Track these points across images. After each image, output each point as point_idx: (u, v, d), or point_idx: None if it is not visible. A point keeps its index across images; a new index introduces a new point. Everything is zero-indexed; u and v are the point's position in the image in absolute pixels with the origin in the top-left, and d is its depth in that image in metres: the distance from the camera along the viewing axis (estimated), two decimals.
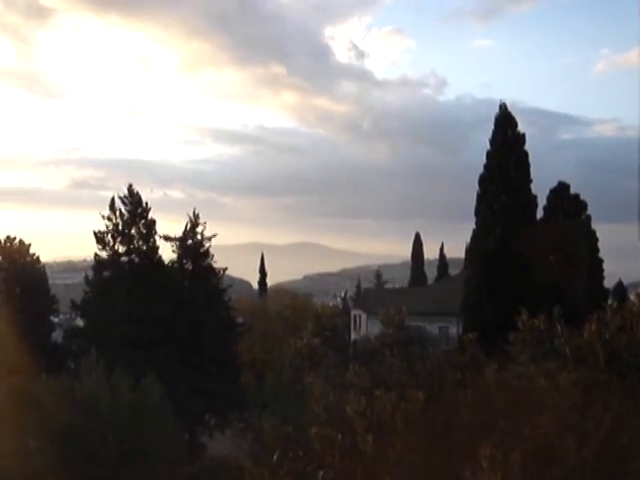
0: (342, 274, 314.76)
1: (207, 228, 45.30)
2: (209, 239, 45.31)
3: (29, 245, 57.97)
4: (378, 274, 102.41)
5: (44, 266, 61.79)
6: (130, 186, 44.31)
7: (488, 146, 44.32)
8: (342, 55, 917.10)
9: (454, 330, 49.56)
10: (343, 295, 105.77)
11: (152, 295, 41.67)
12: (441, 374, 15.46)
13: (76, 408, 27.72)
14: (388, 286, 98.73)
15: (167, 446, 28.53)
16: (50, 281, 61.92)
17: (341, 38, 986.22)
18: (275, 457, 13.36)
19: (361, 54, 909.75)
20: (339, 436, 12.27)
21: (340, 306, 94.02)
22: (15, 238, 57.68)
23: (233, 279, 62.37)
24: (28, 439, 29.49)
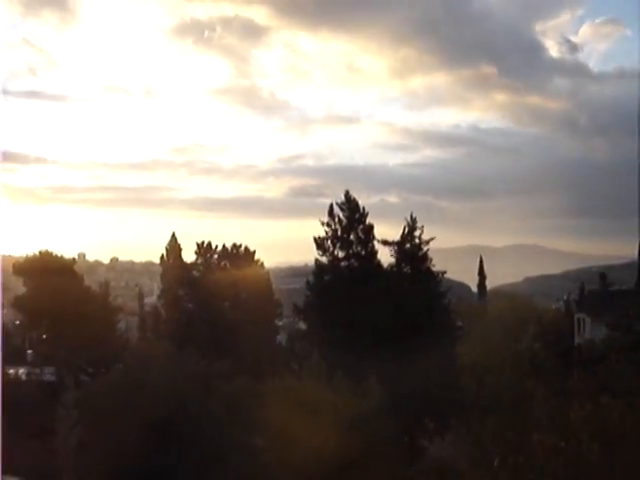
0: (564, 276, 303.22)
1: (424, 232, 45.15)
2: (427, 243, 45.12)
3: (254, 252, 60.60)
4: (603, 275, 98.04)
5: (268, 272, 64.35)
6: (347, 192, 45.11)
7: None
8: (554, 50, 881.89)
9: None
10: (566, 298, 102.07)
11: (372, 299, 42.07)
12: None
13: (299, 409, 28.50)
14: (614, 288, 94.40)
15: (387, 448, 28.75)
16: (274, 286, 64.34)
17: (552, 33, 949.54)
18: (495, 463, 13.14)
19: (574, 48, 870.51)
20: (562, 444, 11.89)
21: (563, 309, 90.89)
22: (241, 246, 60.51)
23: (452, 282, 61.83)
24: (254, 437, 30.67)
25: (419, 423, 41.89)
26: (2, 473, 24.19)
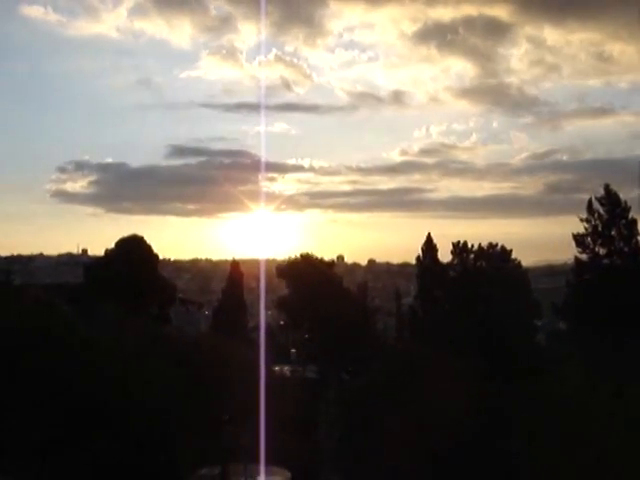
0: None
1: None
2: None
3: (510, 251, 59.53)
4: None
5: (526, 271, 62.94)
6: (607, 186, 43.58)
7: None
8: None
9: None
10: None
11: (637, 298, 40.20)
12: None
13: (558, 412, 27.66)
14: None
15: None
16: (532, 285, 62.87)
17: None
18: None
19: None
20: None
21: None
22: (497, 245, 59.65)
23: None
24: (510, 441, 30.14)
25: None
26: (266, 463, 25.56)
